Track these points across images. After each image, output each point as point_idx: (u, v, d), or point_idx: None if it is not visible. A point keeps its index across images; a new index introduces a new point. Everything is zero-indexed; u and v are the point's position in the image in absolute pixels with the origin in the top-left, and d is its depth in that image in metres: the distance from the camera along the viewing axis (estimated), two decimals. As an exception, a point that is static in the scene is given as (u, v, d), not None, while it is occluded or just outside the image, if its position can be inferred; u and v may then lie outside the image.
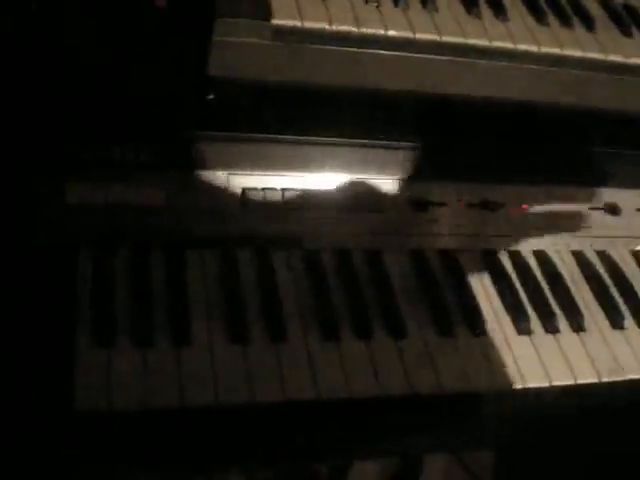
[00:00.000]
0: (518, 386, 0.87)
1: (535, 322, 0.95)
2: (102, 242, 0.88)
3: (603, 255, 1.06)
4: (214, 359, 0.82)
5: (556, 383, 0.89)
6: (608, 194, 1.05)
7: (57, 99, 0.86)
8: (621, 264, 1.06)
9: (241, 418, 0.80)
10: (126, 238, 0.89)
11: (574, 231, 1.05)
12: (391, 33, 0.84)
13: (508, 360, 0.90)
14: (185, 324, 0.84)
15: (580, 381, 0.89)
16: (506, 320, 0.94)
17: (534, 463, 1.27)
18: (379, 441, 0.88)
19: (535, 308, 0.96)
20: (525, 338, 0.93)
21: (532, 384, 0.88)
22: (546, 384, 0.88)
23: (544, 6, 0.95)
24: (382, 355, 0.87)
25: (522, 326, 0.94)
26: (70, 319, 0.82)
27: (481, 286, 0.98)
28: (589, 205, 1.04)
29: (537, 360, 0.90)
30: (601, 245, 1.07)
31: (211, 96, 0.91)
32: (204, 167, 0.90)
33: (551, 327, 0.94)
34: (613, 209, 1.04)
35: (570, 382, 0.89)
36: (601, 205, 1.05)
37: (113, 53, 0.89)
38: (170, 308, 0.85)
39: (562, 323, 0.95)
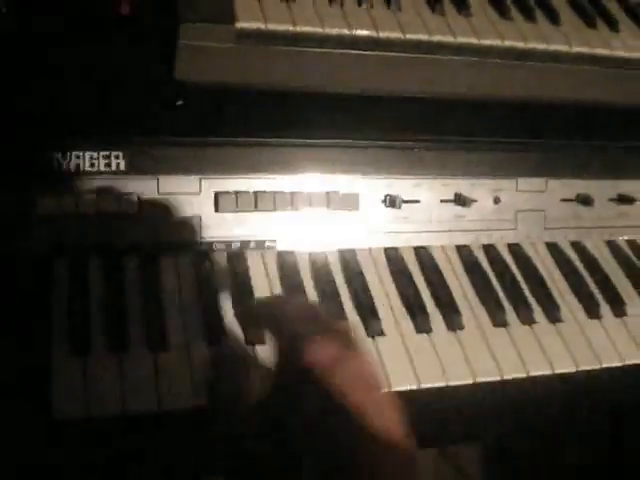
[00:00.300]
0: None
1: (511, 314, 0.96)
2: (76, 251, 0.88)
3: (578, 246, 1.07)
4: (191, 363, 0.82)
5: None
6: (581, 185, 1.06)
7: (24, 110, 0.86)
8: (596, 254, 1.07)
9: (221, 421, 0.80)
10: (100, 246, 0.89)
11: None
12: (356, 32, 0.85)
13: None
14: (161, 329, 0.84)
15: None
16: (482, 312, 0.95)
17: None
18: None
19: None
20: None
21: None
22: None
23: (508, 1, 0.96)
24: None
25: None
26: (45, 329, 0.82)
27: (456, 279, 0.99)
28: (561, 197, 1.05)
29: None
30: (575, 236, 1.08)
31: (180, 102, 0.91)
32: (175, 173, 0.91)
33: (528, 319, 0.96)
34: (585, 200, 1.05)
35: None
36: (573, 197, 1.06)
37: (80, 62, 0.89)
38: (146, 314, 0.85)
39: (538, 314, 0.96)
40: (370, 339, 0.89)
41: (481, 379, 0.89)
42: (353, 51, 0.86)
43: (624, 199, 1.07)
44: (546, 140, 1.03)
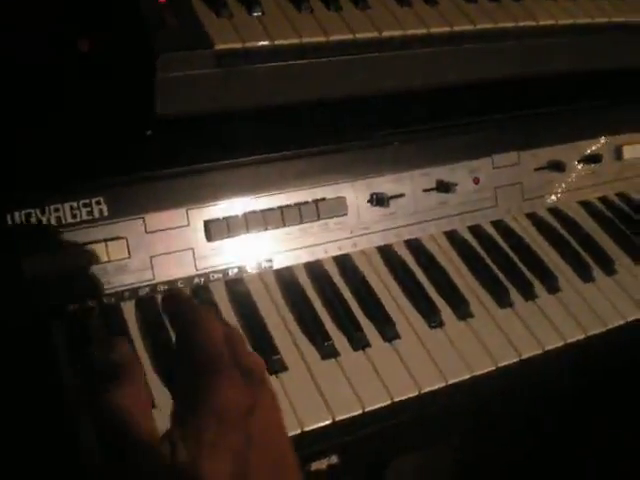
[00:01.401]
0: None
1: (513, 293, 0.97)
2: (71, 308, 0.83)
3: (556, 211, 1.09)
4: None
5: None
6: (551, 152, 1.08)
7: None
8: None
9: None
10: (96, 298, 0.84)
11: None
12: (332, 38, 0.82)
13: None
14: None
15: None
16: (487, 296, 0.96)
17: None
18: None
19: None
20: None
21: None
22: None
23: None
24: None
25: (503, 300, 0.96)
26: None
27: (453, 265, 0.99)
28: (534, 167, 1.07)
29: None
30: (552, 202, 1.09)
31: (149, 132, 0.87)
32: (160, 208, 0.86)
33: (530, 294, 0.97)
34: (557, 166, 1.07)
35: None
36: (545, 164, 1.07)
37: (40, 106, 0.84)
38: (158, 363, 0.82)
39: (538, 288, 0.98)
40: (387, 344, 0.88)
41: (502, 363, 0.89)
42: (330, 58, 0.83)
43: (591, 159, 1.09)
44: (514, 113, 1.04)
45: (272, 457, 0.53)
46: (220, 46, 0.77)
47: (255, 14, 0.82)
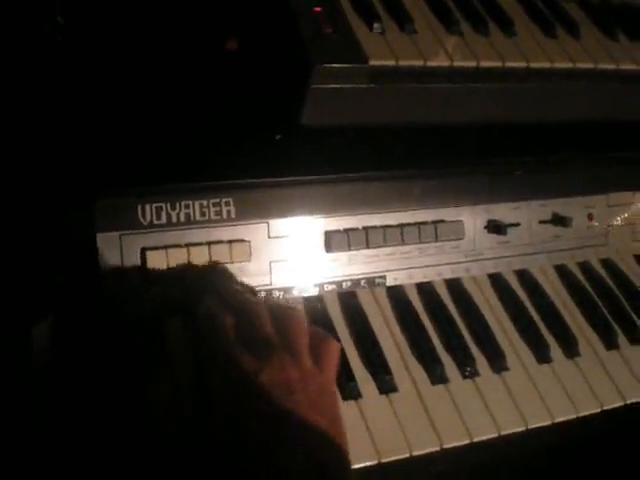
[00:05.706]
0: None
1: (621, 337, 0.96)
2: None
3: None
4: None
5: None
6: None
7: (126, 159, 0.80)
8: None
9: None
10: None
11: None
12: (483, 64, 0.82)
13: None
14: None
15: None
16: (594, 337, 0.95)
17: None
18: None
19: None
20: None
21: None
22: None
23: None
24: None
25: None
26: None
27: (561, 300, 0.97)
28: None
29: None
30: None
31: (279, 136, 0.86)
32: (284, 215, 0.86)
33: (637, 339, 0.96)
34: None
35: None
36: None
37: (179, 101, 0.83)
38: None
39: (645, 333, 0.97)
40: (496, 375, 0.87)
41: (607, 406, 0.88)
42: (480, 84, 0.82)
43: None
44: (634, 154, 1.02)
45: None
46: (374, 62, 0.77)
47: (407, 32, 0.81)
